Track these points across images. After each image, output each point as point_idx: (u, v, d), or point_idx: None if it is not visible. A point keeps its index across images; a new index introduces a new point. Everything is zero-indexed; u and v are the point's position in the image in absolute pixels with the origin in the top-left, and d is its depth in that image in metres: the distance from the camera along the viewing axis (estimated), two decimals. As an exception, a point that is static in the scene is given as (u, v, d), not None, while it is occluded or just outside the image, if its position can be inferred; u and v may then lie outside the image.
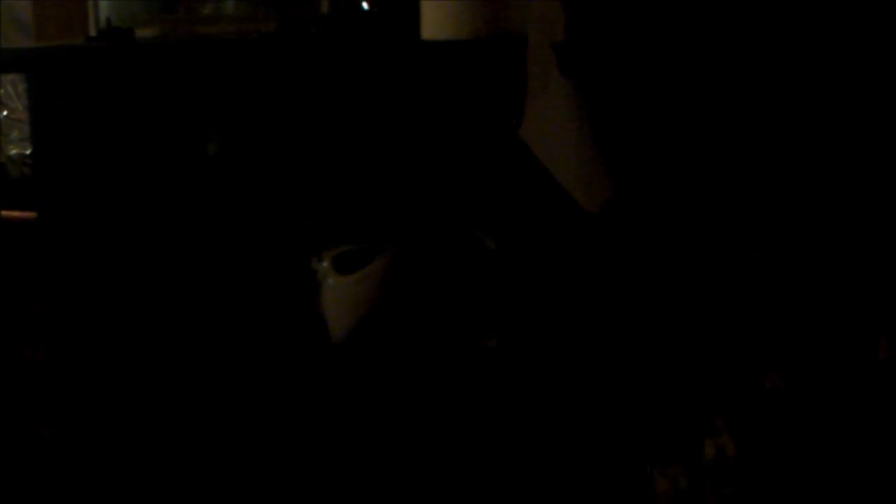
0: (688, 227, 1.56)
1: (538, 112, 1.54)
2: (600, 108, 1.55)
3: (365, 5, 1.62)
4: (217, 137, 1.66)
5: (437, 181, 1.58)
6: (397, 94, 1.58)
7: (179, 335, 1.68)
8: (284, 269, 1.64)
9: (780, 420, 1.52)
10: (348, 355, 1.59)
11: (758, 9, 1.51)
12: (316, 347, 1.61)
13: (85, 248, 1.71)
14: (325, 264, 1.60)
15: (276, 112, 1.64)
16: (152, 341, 1.69)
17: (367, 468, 1.60)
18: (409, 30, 1.56)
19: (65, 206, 1.72)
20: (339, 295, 1.59)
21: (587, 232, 1.53)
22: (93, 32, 1.78)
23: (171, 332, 1.68)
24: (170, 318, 1.68)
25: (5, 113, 2.03)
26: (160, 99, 1.67)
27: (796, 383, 1.53)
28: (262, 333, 1.64)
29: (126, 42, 1.71)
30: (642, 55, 1.53)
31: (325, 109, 1.63)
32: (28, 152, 2.04)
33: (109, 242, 1.70)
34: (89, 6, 1.79)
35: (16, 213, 1.90)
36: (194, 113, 1.67)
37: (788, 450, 1.50)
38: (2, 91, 2.02)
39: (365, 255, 1.60)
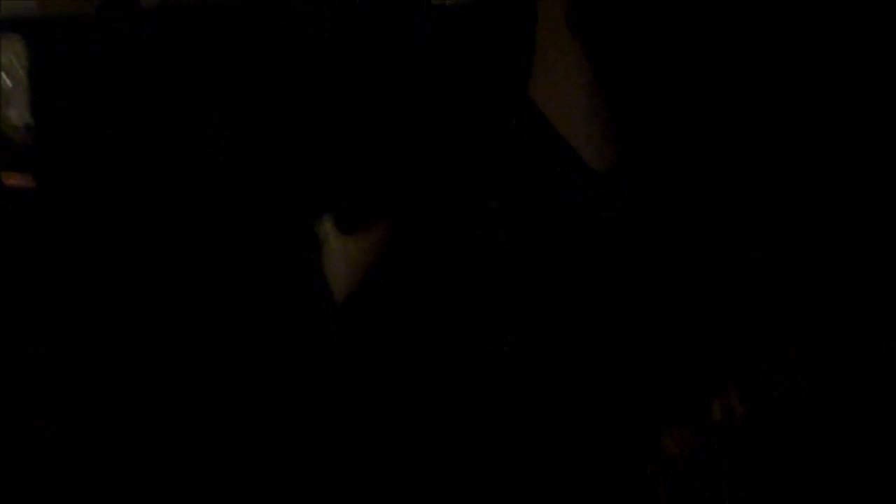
0: (696, 194, 1.54)
1: (547, 71, 1.53)
2: (609, 66, 1.53)
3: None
4: (221, 105, 1.65)
5: (445, 143, 1.57)
6: (406, 57, 1.57)
7: (181, 301, 1.67)
8: (289, 230, 1.63)
9: (792, 386, 1.50)
10: (350, 316, 1.57)
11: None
12: (319, 308, 1.59)
13: (86, 215, 1.70)
14: (328, 224, 1.59)
15: (282, 75, 1.63)
16: (154, 307, 1.68)
17: (371, 435, 1.59)
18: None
19: (65, 174, 1.71)
20: (341, 255, 1.57)
21: (594, 192, 1.51)
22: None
23: (172, 297, 1.67)
24: (172, 283, 1.67)
25: (7, 80, 2.01)
26: (164, 66, 1.66)
27: (813, 360, 1.51)
28: (266, 294, 1.62)
29: (130, 10, 1.70)
30: (651, 14, 1.53)
31: (332, 74, 1.62)
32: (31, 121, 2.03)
33: (111, 207, 1.69)
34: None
35: (15, 181, 1.88)
36: (198, 82, 1.66)
37: (799, 413, 1.49)
38: (4, 59, 2.00)
39: (368, 216, 1.58)
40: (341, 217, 1.58)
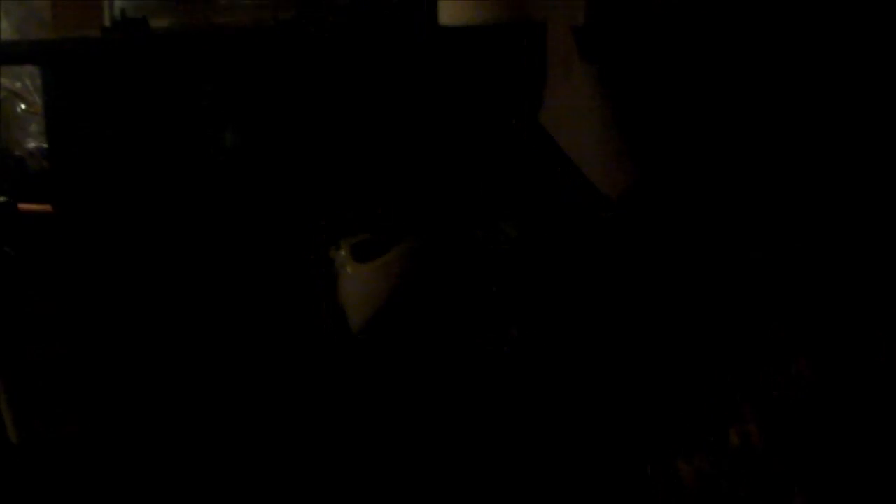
0: (710, 214, 1.54)
1: (559, 98, 1.52)
2: (622, 93, 1.53)
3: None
4: (234, 128, 1.65)
5: (458, 170, 1.57)
6: (416, 82, 1.56)
7: (198, 325, 1.67)
8: (304, 260, 1.63)
9: (806, 406, 1.49)
10: (366, 343, 1.58)
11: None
12: (335, 336, 1.59)
13: (102, 241, 1.71)
14: (343, 253, 1.59)
15: (294, 101, 1.63)
16: (171, 333, 1.68)
17: (386, 455, 1.59)
18: (428, 16, 1.54)
19: (80, 198, 1.71)
20: (357, 283, 1.58)
21: (608, 218, 1.51)
22: (107, 24, 1.77)
23: (189, 322, 1.68)
24: (188, 307, 1.68)
25: (23, 106, 2.02)
26: (177, 90, 1.66)
27: (823, 370, 1.51)
28: (282, 323, 1.63)
29: (141, 33, 1.70)
30: (664, 41, 1.52)
31: (343, 98, 1.61)
32: (46, 146, 2.04)
33: (126, 235, 1.69)
34: (104, -2, 1.78)
35: (34, 206, 1.89)
36: (211, 103, 1.66)
37: (815, 437, 1.48)
38: (19, 85, 2.02)
39: (383, 245, 1.58)
40: (357, 245, 1.59)
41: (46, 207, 1.83)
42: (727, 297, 1.53)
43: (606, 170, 1.51)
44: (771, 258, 1.53)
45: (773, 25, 1.52)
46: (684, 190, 1.53)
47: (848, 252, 1.51)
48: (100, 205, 1.70)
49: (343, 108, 1.60)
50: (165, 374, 1.68)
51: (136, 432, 1.65)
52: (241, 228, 1.66)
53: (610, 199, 1.50)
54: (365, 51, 1.57)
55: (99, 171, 1.69)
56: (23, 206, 1.88)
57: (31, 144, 2.00)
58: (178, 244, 1.68)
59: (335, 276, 1.59)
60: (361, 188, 1.60)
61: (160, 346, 1.67)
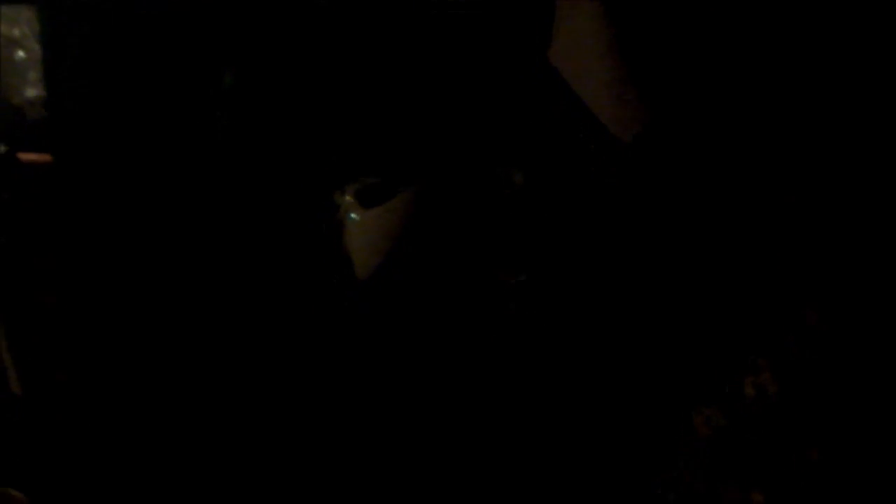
0: (723, 161, 1.49)
1: (568, 36, 1.48)
2: (633, 31, 1.48)
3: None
4: (238, 71, 1.61)
5: (464, 112, 1.53)
6: (422, 23, 1.52)
7: (200, 276, 1.64)
8: (309, 205, 1.59)
9: (820, 359, 1.45)
10: (373, 291, 1.54)
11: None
12: (341, 283, 1.56)
13: (101, 191, 1.68)
14: (348, 198, 1.55)
15: (298, 48, 1.59)
16: (173, 283, 1.66)
17: (394, 415, 1.56)
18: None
19: (81, 148, 1.68)
20: (363, 229, 1.54)
21: (620, 163, 1.46)
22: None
23: (191, 273, 1.65)
24: (190, 258, 1.65)
25: (21, 53, 1.98)
26: (179, 35, 1.62)
27: (837, 321, 1.47)
28: (287, 269, 1.60)
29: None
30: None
31: (347, 42, 1.57)
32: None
33: (126, 183, 1.66)
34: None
35: (34, 156, 1.86)
36: (212, 50, 1.62)
37: (831, 387, 1.44)
38: (17, 32, 1.97)
39: (389, 189, 1.55)
40: (362, 190, 1.55)
41: (46, 157, 1.80)
42: (741, 248, 1.49)
43: (617, 111, 1.46)
44: (783, 208, 1.49)
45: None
46: (697, 132, 1.48)
47: (856, 205, 1.47)
48: (100, 154, 1.67)
49: (347, 48, 1.56)
50: (163, 326, 1.65)
51: (126, 385, 1.62)
52: (245, 174, 1.62)
53: (622, 141, 1.46)
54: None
55: (100, 121, 1.66)
56: (22, 156, 1.85)
57: (30, 93, 1.97)
58: (180, 191, 1.65)
59: (340, 222, 1.56)
60: (367, 131, 1.56)
61: (158, 295, 1.64)
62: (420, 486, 1.52)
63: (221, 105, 1.61)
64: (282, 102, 1.61)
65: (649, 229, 1.48)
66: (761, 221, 1.48)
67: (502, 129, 1.50)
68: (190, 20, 1.62)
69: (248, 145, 1.62)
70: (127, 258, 1.67)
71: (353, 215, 1.54)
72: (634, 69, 1.46)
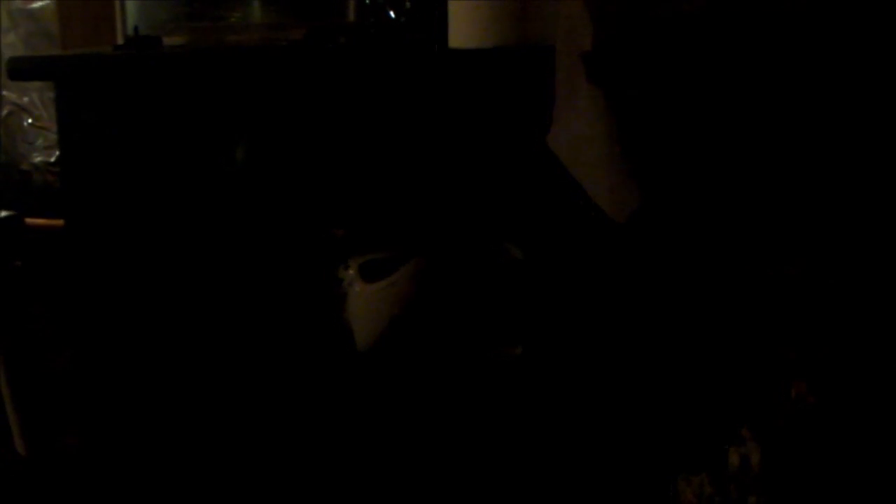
0: (714, 238, 1.56)
1: (566, 121, 1.55)
2: (629, 116, 1.55)
3: (392, 14, 1.62)
4: (245, 146, 1.67)
5: (465, 191, 1.59)
6: (425, 104, 1.58)
7: (206, 344, 1.69)
8: (313, 279, 1.65)
9: (806, 429, 1.52)
10: (374, 363, 1.60)
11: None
12: (343, 355, 1.61)
13: (111, 256, 1.72)
14: (352, 272, 1.61)
15: (304, 121, 1.65)
16: (178, 350, 1.70)
17: (393, 476, 1.61)
18: (437, 39, 1.57)
19: (92, 214, 1.72)
20: (365, 302, 1.59)
21: (614, 242, 1.53)
22: (120, 41, 1.78)
23: (197, 341, 1.69)
24: (196, 327, 1.69)
25: (30, 121, 2.04)
26: (188, 108, 1.68)
27: (824, 393, 1.53)
28: (290, 342, 1.64)
29: (154, 50, 1.72)
30: (670, 66, 1.54)
31: (352, 118, 1.63)
32: (52, 160, 2.05)
33: (135, 250, 1.70)
34: (117, 15, 1.79)
35: (41, 221, 1.90)
36: (222, 122, 1.67)
37: (815, 459, 1.51)
38: (27, 99, 2.03)
39: (391, 264, 1.60)
40: (365, 264, 1.61)
41: (52, 222, 1.84)
42: (730, 319, 1.56)
43: (612, 193, 1.53)
44: (773, 280, 1.56)
45: (774, 51, 1.55)
46: (688, 213, 1.56)
47: (849, 274, 1.54)
48: (110, 220, 1.71)
49: (353, 128, 1.62)
50: (168, 390, 1.70)
51: (136, 447, 1.65)
52: (251, 247, 1.67)
53: (616, 222, 1.53)
54: (374, 71, 1.59)
55: (110, 187, 1.70)
56: (29, 221, 1.90)
57: (37, 159, 2.01)
58: (187, 261, 1.69)
59: (343, 295, 1.61)
60: (371, 208, 1.62)
61: (165, 361, 1.69)
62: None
63: (230, 175, 1.66)
64: (290, 178, 1.66)
65: (641, 303, 1.55)
66: (749, 296, 1.56)
67: (503, 208, 1.57)
68: (201, 95, 1.67)
69: (255, 218, 1.67)
70: (136, 325, 1.71)
71: (356, 288, 1.59)
72: (628, 155, 1.53)
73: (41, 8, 2.35)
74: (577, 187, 1.52)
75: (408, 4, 1.61)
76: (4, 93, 2.06)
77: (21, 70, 1.71)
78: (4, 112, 2.13)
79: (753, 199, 1.54)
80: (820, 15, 1.54)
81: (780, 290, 1.57)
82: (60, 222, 1.77)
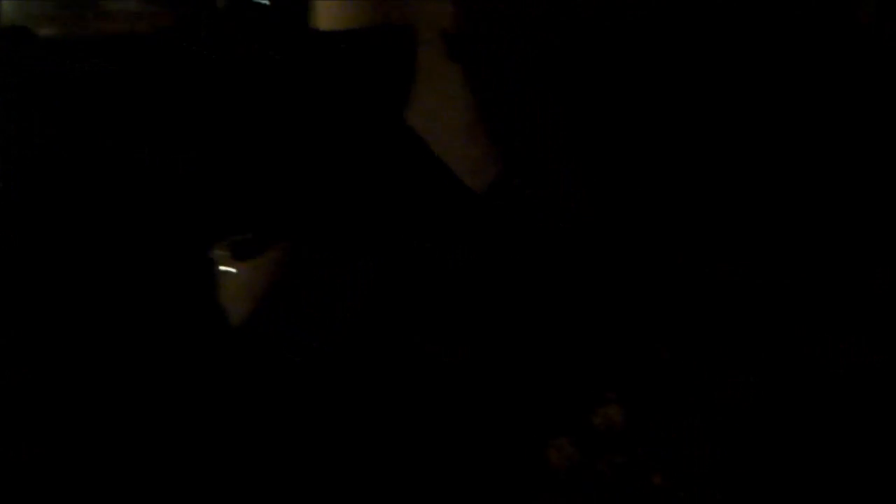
0: (578, 208, 1.61)
1: (426, 97, 1.59)
2: (487, 90, 1.60)
3: (258, -1, 1.66)
4: (116, 134, 1.68)
5: (330, 172, 1.62)
6: (291, 87, 1.61)
7: (81, 327, 1.68)
8: (186, 260, 1.66)
9: (670, 391, 1.56)
10: (246, 342, 1.61)
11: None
12: (215, 334, 1.63)
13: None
14: (222, 253, 1.63)
15: (174, 107, 1.67)
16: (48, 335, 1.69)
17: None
18: (301, 21, 1.60)
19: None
20: (235, 282, 1.62)
21: (475, 213, 1.57)
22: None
23: (71, 324, 1.69)
24: (71, 311, 1.69)
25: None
26: (57, 97, 1.69)
27: (686, 357, 1.58)
28: (164, 323, 1.65)
29: (22, 41, 1.73)
30: (530, 39, 1.60)
31: (221, 103, 1.65)
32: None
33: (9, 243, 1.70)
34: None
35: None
36: (92, 109, 1.68)
37: (679, 420, 1.55)
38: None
39: (261, 243, 1.63)
40: (235, 244, 1.63)
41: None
42: (595, 289, 1.60)
43: (473, 165, 1.58)
44: (638, 255, 1.61)
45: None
46: (549, 186, 1.60)
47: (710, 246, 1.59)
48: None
49: (221, 112, 1.64)
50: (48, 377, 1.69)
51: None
52: (125, 233, 1.68)
53: (475, 192, 1.57)
54: (241, 57, 1.62)
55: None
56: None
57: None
58: (65, 246, 1.70)
59: (215, 275, 1.63)
60: (241, 192, 1.64)
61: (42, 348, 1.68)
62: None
63: (101, 163, 1.67)
64: (161, 164, 1.67)
65: (509, 272, 1.59)
66: (616, 268, 1.60)
67: (368, 187, 1.60)
68: (72, 85, 1.68)
69: (128, 202, 1.68)
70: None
71: (225, 268, 1.61)
72: (488, 128, 1.58)
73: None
74: (437, 161, 1.56)
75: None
76: None
77: None
78: None
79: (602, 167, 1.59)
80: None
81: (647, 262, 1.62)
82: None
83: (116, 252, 1.67)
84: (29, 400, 1.66)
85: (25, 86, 1.70)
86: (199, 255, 1.64)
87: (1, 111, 1.70)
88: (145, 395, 1.67)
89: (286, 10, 1.63)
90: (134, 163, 1.66)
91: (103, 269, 1.67)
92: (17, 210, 1.69)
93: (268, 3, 1.65)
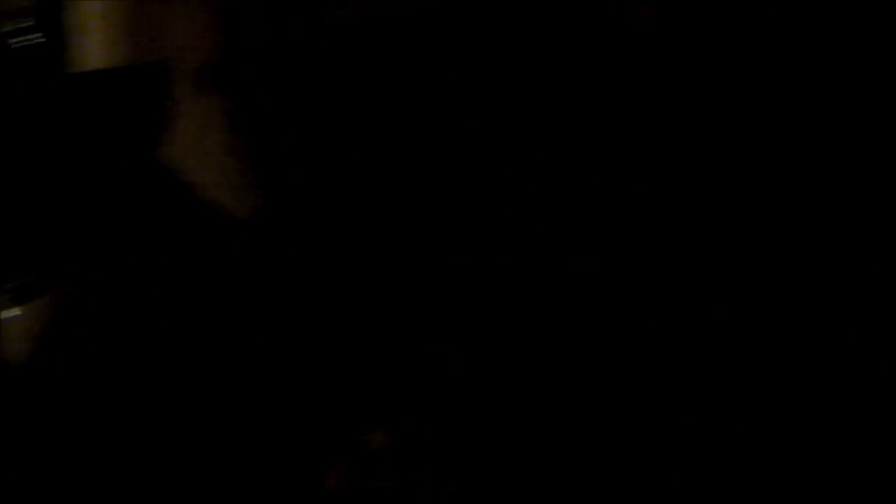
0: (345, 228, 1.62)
1: (186, 131, 1.59)
2: (253, 120, 1.60)
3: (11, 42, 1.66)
4: None
5: (91, 211, 1.61)
6: (48, 128, 1.61)
7: None
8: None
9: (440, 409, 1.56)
10: (30, 382, 1.62)
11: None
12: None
13: None
14: (4, 297, 1.64)
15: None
16: None
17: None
18: (57, 63, 1.60)
19: None
20: (17, 325, 1.63)
21: (234, 239, 1.58)
22: None
23: None
24: None
25: None
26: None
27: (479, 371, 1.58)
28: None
29: None
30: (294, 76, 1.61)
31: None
32: None
33: None
34: None
35: None
36: None
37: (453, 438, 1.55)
38: None
39: (43, 286, 1.64)
40: (16, 289, 1.64)
41: None
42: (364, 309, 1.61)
43: (236, 193, 1.58)
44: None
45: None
46: (313, 209, 1.61)
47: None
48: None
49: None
50: None
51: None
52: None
53: (236, 219, 1.58)
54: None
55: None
56: None
57: None
58: None
59: (-1, 319, 1.64)
60: (13, 236, 1.64)
61: None
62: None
63: None
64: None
65: (273, 296, 1.59)
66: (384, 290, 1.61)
67: (128, 218, 1.60)
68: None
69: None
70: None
71: (5, 312, 1.62)
72: (249, 154, 1.58)
73: None
74: (190, 194, 1.57)
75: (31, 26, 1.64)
76: None
77: None
78: None
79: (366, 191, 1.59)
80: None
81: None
82: None
83: None
84: None
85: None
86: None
87: None
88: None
89: (39, 52, 1.64)
90: None
91: None
92: None
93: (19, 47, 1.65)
